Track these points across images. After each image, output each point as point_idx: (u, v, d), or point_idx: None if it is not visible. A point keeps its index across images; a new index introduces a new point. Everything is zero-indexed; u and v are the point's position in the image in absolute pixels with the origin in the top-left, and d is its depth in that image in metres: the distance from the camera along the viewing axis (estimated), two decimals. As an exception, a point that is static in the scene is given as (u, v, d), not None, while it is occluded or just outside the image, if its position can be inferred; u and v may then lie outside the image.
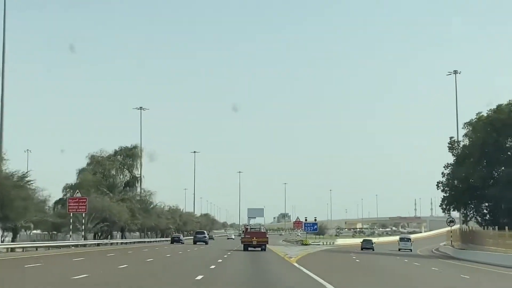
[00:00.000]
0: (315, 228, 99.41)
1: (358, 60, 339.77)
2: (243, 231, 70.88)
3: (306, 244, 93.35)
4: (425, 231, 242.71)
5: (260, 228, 61.61)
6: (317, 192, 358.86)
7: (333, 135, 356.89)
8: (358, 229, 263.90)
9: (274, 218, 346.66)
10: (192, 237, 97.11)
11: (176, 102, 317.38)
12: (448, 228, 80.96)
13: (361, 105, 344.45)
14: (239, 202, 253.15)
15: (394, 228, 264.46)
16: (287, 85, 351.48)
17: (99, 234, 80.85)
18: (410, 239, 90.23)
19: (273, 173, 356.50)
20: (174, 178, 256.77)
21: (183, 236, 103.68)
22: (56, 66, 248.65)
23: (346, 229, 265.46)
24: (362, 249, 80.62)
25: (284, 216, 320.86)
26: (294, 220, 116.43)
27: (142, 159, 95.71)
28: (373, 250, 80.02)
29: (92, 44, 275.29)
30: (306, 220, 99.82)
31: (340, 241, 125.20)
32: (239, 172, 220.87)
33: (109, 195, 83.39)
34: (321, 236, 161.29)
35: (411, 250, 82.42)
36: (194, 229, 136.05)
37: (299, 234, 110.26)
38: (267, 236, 59.27)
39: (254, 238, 56.11)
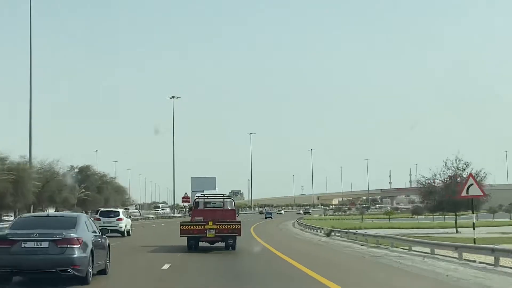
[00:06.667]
0: None
1: None
2: (189, 209, 44.06)
3: None
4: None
5: (223, 201, 28.41)
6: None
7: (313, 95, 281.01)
8: (346, 205, 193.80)
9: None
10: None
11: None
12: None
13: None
14: (173, 159, 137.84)
15: (380, 205, 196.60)
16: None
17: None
18: None
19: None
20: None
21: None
22: None
23: (321, 206, 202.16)
24: None
25: (236, 193, 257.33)
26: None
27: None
28: None
29: None
30: None
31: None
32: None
33: None
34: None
35: None
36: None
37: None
38: (238, 219, 27.21)
39: (211, 223, 25.69)
